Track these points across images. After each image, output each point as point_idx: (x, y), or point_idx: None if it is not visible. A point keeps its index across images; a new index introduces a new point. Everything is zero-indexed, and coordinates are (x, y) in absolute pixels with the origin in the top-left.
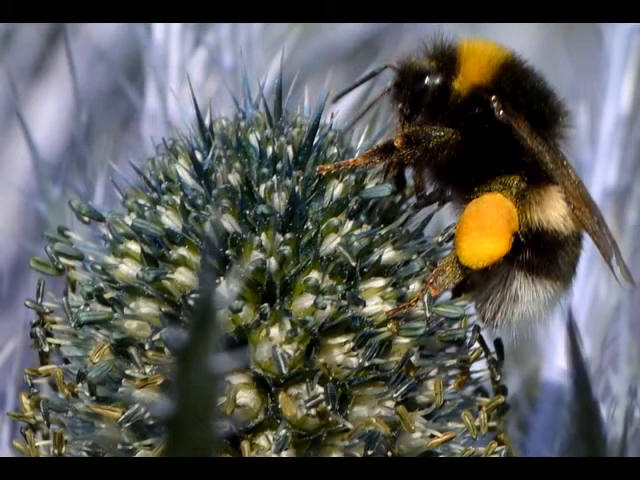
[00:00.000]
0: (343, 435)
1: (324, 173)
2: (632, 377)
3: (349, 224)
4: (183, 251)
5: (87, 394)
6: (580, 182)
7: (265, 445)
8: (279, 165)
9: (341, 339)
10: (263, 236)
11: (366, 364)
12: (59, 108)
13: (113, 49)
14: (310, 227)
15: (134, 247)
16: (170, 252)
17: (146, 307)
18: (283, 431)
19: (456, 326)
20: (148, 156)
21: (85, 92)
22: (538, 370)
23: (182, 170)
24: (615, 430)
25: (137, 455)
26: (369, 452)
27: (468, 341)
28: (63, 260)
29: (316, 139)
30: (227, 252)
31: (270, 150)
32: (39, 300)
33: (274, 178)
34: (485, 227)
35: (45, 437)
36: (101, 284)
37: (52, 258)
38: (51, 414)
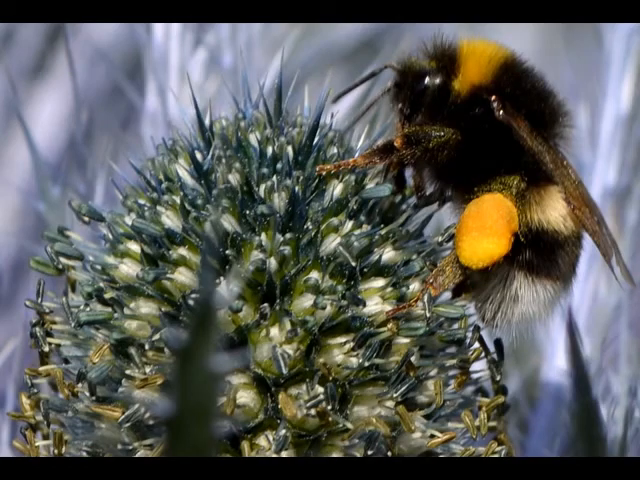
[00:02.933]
0: (343, 435)
1: (324, 173)
2: (632, 377)
3: (349, 224)
4: (183, 251)
5: (87, 394)
6: (580, 182)
7: (265, 445)
8: (279, 165)
9: (341, 339)
10: (263, 236)
11: (366, 364)
12: (59, 108)
13: (113, 49)
14: (310, 227)
15: (134, 247)
16: (170, 252)
17: (146, 307)
18: (283, 431)
19: (456, 326)
20: (148, 156)
21: (85, 92)
22: (538, 370)
23: (182, 170)
24: (615, 430)
25: (137, 455)
26: (369, 452)
27: (468, 341)
28: (63, 260)
29: (316, 139)
30: (227, 252)
31: (270, 150)
32: (39, 300)
33: (274, 178)
34: (485, 227)
35: (45, 437)
36: (101, 284)
37: (52, 258)
38: (51, 414)
